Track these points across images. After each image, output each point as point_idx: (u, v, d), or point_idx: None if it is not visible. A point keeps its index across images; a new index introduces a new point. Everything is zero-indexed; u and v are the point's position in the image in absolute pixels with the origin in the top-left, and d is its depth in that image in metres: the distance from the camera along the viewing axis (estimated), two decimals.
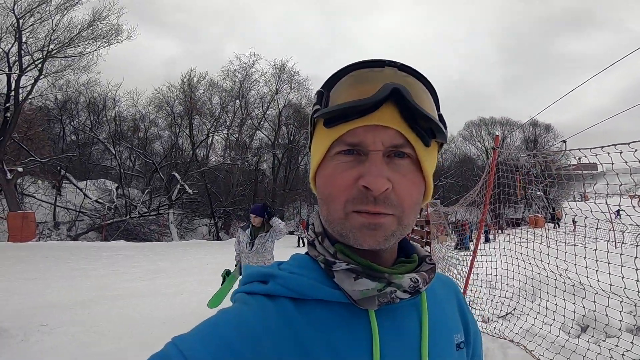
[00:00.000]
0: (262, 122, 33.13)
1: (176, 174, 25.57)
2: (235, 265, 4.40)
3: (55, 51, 19.44)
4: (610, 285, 2.69)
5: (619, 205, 2.68)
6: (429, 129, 0.44)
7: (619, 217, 2.43)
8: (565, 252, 3.14)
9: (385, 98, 0.41)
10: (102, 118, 26.94)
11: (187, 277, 8.21)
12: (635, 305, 2.75)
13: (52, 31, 18.98)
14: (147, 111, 28.64)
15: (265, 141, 34.32)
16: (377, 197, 0.41)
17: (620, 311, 2.78)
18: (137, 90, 35.73)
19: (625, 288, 2.59)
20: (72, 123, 25.38)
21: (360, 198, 0.42)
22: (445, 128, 0.47)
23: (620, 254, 2.65)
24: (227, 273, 4.33)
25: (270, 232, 4.27)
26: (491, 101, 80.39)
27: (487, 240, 12.45)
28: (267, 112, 33.16)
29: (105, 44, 21.67)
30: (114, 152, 25.30)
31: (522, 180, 4.40)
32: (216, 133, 30.90)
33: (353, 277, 0.44)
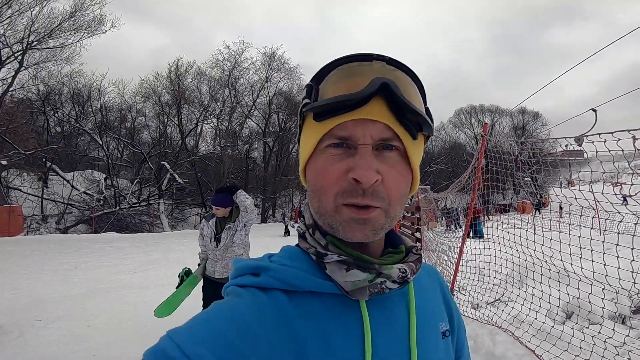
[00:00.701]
0: (252, 110, 32.84)
1: (165, 164, 25.26)
2: (199, 265, 3.49)
3: (35, 43, 18.92)
4: (593, 272, 2.75)
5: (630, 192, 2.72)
6: (417, 122, 0.45)
7: (626, 202, 2.48)
8: (551, 239, 3.20)
9: (374, 92, 0.42)
10: (87, 109, 26.31)
11: (180, 268, 8.17)
12: (617, 293, 2.83)
13: (31, 22, 18.43)
14: (133, 101, 28.13)
15: (255, 129, 34.10)
16: (367, 189, 0.42)
17: (603, 298, 2.86)
18: (123, 80, 35.03)
19: (607, 275, 2.66)
20: (56, 114, 24.71)
21: (350, 190, 0.43)
22: (432, 121, 0.48)
23: (603, 242, 2.72)
24: (186, 273, 3.43)
25: (238, 219, 3.37)
26: (481, 89, 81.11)
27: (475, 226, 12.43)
28: (258, 100, 32.87)
29: (88, 35, 21.20)
30: (100, 142, 24.82)
31: (511, 167, 4.47)
32: (205, 122, 30.55)
33: (344, 268, 0.45)
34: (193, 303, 3.18)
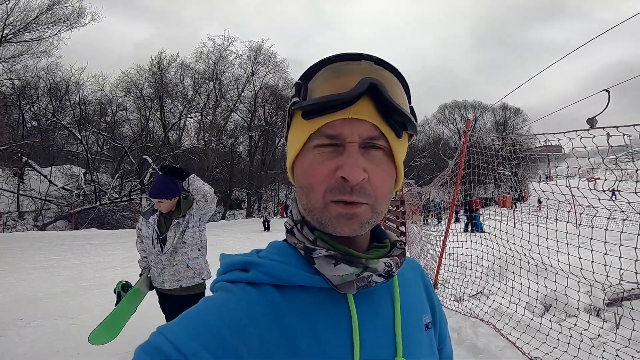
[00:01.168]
0: (237, 104, 32.47)
1: (147, 158, 24.71)
2: (140, 275, 2.87)
3: (10, 36, 18.22)
4: (569, 265, 2.84)
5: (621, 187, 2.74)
6: (402, 122, 0.46)
7: (614, 197, 2.55)
8: (529, 233, 3.28)
9: (362, 92, 0.43)
10: (65, 103, 25.40)
11: None
12: (591, 286, 2.93)
13: (6, 16, 17.70)
14: (114, 95, 27.36)
15: (241, 123, 33.75)
16: (354, 187, 0.43)
17: (578, 291, 2.94)
18: (103, 74, 33.92)
19: (582, 269, 2.75)
20: (32, 109, 23.79)
21: (339, 188, 0.44)
22: (416, 120, 0.49)
23: (578, 235, 2.80)
24: (123, 288, 2.76)
25: (190, 212, 2.68)
26: (465, 85, 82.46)
27: (457, 220, 12.54)
28: (243, 94, 32.54)
29: (67, 28, 20.51)
30: (79, 137, 24.07)
31: (493, 161, 4.58)
32: (189, 115, 30.08)
33: (333, 263, 0.46)
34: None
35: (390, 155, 0.47)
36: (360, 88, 0.43)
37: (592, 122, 2.94)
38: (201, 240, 2.75)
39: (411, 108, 0.50)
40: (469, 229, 8.68)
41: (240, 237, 14.15)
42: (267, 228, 16.84)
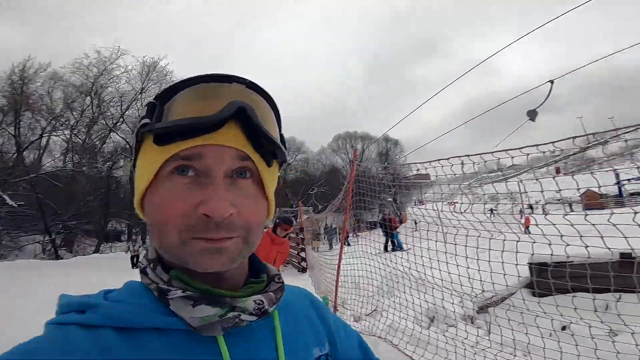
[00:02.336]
0: (119, 123, 29.04)
1: None
2: None
3: None
4: (442, 280, 3.22)
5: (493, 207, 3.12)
6: (272, 150, 0.44)
7: (492, 214, 2.94)
8: (408, 252, 3.63)
9: (230, 116, 0.39)
10: None
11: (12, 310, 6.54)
12: (462, 297, 3.34)
13: None
14: None
15: (122, 145, 30.20)
16: (220, 223, 0.39)
17: (452, 303, 3.33)
18: None
19: (452, 282, 3.13)
20: None
21: (200, 225, 0.39)
22: (286, 148, 0.47)
23: (445, 252, 3.19)
24: None
25: None
26: (355, 116, 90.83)
27: (347, 244, 13.07)
28: (127, 112, 29.26)
29: None
30: None
31: (376, 189, 5.05)
32: (54, 133, 25.69)
33: (191, 304, 0.41)
34: None
35: (260, 185, 0.44)
36: (227, 111, 0.39)
37: (533, 114, 3.04)
38: None
39: (281, 135, 0.48)
40: (389, 249, 8.61)
41: (119, 273, 12.33)
42: (135, 264, 14.60)
